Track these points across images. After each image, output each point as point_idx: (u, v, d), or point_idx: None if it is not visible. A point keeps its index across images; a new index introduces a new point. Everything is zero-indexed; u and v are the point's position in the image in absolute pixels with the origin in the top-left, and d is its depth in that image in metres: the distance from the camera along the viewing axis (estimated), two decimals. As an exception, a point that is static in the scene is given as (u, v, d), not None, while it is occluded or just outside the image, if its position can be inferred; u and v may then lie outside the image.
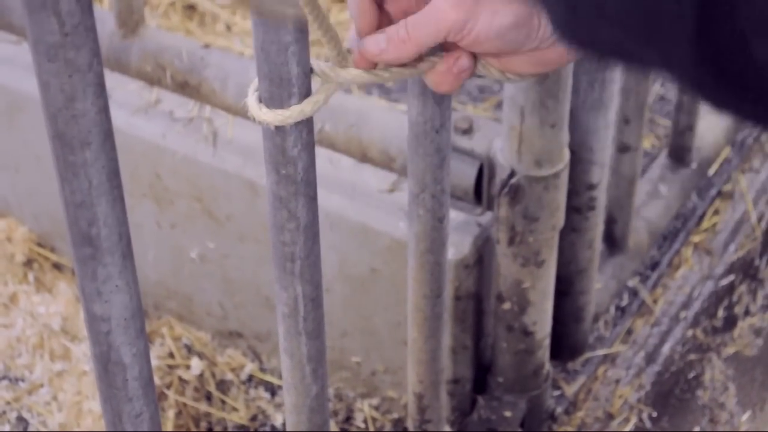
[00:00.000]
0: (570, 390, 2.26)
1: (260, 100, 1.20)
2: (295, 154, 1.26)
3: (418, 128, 1.55)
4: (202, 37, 2.87)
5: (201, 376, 2.49)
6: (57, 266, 2.72)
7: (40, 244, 2.73)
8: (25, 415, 2.46)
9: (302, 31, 1.16)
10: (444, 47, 1.24)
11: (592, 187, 2.12)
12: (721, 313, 2.51)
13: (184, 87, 2.21)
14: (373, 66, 1.24)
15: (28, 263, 2.71)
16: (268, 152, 1.27)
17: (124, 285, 1.18)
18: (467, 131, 1.99)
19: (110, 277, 1.16)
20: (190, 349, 2.55)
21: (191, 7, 2.99)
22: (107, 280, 1.17)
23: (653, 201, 2.54)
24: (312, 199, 1.33)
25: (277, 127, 1.23)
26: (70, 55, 1.03)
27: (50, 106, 1.06)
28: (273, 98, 1.19)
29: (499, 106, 2.77)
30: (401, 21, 1.20)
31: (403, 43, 1.20)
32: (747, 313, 2.58)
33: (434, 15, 1.18)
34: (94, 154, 1.09)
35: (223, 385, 2.51)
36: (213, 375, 2.51)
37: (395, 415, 2.41)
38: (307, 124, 1.26)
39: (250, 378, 2.53)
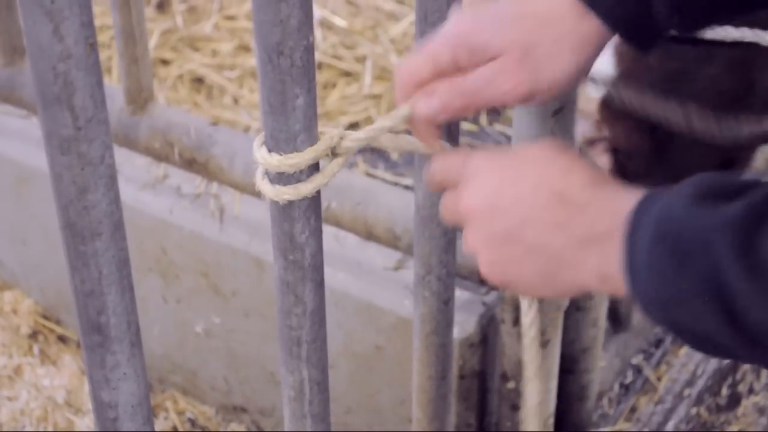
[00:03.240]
0: (574, 469, 2.26)
1: (268, 150, 1.21)
2: (303, 240, 1.28)
3: (424, 211, 1.56)
4: (209, 110, 2.90)
5: (204, 450, 2.49)
6: (62, 339, 2.73)
7: (45, 317, 2.74)
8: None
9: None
10: None
11: (596, 266, 2.12)
12: (725, 391, 2.51)
13: (192, 164, 2.23)
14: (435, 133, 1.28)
15: (34, 335, 2.71)
16: (276, 238, 1.28)
17: (132, 373, 1.18)
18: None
19: (118, 364, 1.17)
20: (194, 423, 2.55)
21: (199, 80, 3.01)
22: (115, 368, 1.18)
23: (657, 278, 2.54)
24: (319, 284, 1.34)
25: (285, 212, 1.24)
26: (82, 149, 1.04)
27: (62, 197, 1.08)
28: (279, 144, 1.20)
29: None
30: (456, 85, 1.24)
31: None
32: (751, 391, 2.57)
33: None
34: (105, 245, 1.10)
35: (226, 460, 2.51)
36: (216, 449, 2.51)
37: (399, 493, 2.41)
38: (315, 210, 1.28)
39: (254, 453, 2.53)
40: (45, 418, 2.54)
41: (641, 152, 1.76)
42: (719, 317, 1.04)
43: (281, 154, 1.19)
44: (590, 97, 1.76)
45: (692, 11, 1.26)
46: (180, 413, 2.56)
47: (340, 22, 3.10)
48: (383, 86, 2.93)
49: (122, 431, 1.22)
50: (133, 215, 2.35)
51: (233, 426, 2.55)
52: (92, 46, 1.00)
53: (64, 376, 2.61)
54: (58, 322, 2.74)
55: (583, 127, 1.74)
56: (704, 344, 1.11)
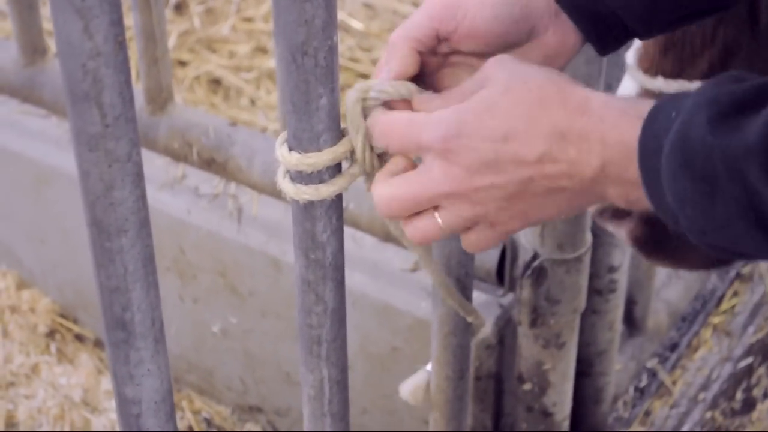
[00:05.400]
0: (589, 471, 2.26)
1: (290, 148, 1.22)
2: (324, 239, 1.29)
3: (443, 213, 1.57)
4: (226, 111, 2.91)
5: (220, 450, 2.50)
6: (79, 337, 2.74)
7: (63, 315, 2.75)
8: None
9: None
10: None
11: (613, 269, 2.13)
12: (739, 395, 2.51)
13: (211, 164, 2.24)
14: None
15: (51, 334, 2.72)
16: (298, 237, 1.29)
17: (156, 369, 1.19)
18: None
19: (142, 361, 1.18)
20: (209, 423, 2.56)
21: (216, 82, 3.02)
22: (139, 364, 1.18)
23: (673, 282, 2.55)
24: (340, 283, 1.35)
25: (307, 210, 1.25)
26: (110, 146, 1.05)
27: (89, 194, 1.09)
28: (302, 143, 1.20)
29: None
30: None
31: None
32: (766, 395, 2.58)
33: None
34: (131, 241, 1.11)
35: (242, 460, 2.52)
36: (232, 449, 2.52)
37: (414, 494, 2.42)
38: (337, 209, 1.28)
39: (269, 453, 2.53)
40: (62, 416, 2.55)
41: None
42: (760, 237, 1.04)
43: (300, 153, 1.20)
44: None
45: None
46: (196, 413, 2.57)
47: (357, 24, 3.11)
48: (400, 89, 2.93)
49: (145, 428, 1.23)
50: (152, 215, 2.35)
51: (249, 426, 2.56)
52: (121, 44, 1.01)
53: (81, 374, 2.62)
54: (75, 321, 2.75)
55: None
56: (747, 257, 1.12)
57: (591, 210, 1.59)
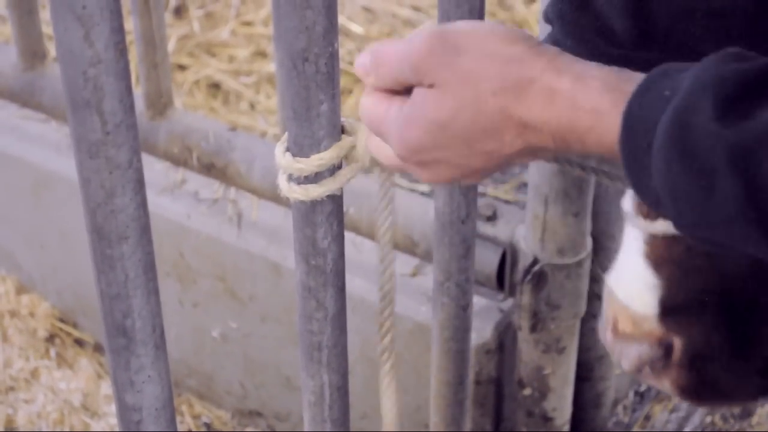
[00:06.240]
0: (589, 476, 2.26)
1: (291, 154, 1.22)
2: (325, 245, 1.29)
3: (444, 218, 1.58)
4: (225, 115, 2.90)
5: (220, 454, 2.50)
6: (79, 342, 2.74)
7: (62, 320, 2.75)
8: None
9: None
10: None
11: (613, 274, 2.13)
12: (740, 399, 2.51)
13: (210, 169, 2.24)
14: None
15: (50, 339, 2.72)
16: (299, 243, 1.29)
17: (157, 376, 1.19)
18: (491, 218, 2.01)
19: (143, 367, 1.18)
20: (209, 427, 2.56)
21: (215, 86, 3.02)
22: (140, 371, 1.18)
23: (673, 286, 2.55)
24: (340, 289, 1.35)
25: (308, 217, 1.25)
26: (110, 153, 1.05)
27: (90, 201, 1.08)
28: (303, 150, 1.20)
29: (520, 188, 2.79)
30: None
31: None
32: (766, 399, 2.58)
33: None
34: (131, 248, 1.11)
35: (241, 464, 2.52)
36: (232, 454, 2.51)
37: (413, 498, 2.41)
38: (337, 215, 1.28)
39: (269, 457, 2.53)
40: (61, 421, 2.55)
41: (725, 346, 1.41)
42: (758, 235, 0.98)
43: (294, 156, 1.20)
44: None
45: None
46: (196, 417, 2.57)
47: (356, 28, 3.11)
48: (399, 93, 2.93)
49: (145, 434, 1.23)
50: (151, 220, 2.35)
51: (249, 430, 2.56)
52: (122, 52, 1.01)
53: (80, 379, 2.62)
54: (74, 326, 2.75)
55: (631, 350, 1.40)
56: (735, 251, 1.06)
57: (626, 366, 1.46)
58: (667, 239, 1.42)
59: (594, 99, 1.05)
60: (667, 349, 1.38)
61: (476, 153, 1.11)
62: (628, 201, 1.44)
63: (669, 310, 1.42)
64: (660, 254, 1.41)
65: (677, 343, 1.37)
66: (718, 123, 0.95)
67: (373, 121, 1.17)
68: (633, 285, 1.44)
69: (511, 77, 1.07)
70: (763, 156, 0.94)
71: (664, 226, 1.40)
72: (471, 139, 1.10)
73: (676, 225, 1.06)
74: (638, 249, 1.44)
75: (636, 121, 1.01)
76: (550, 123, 1.06)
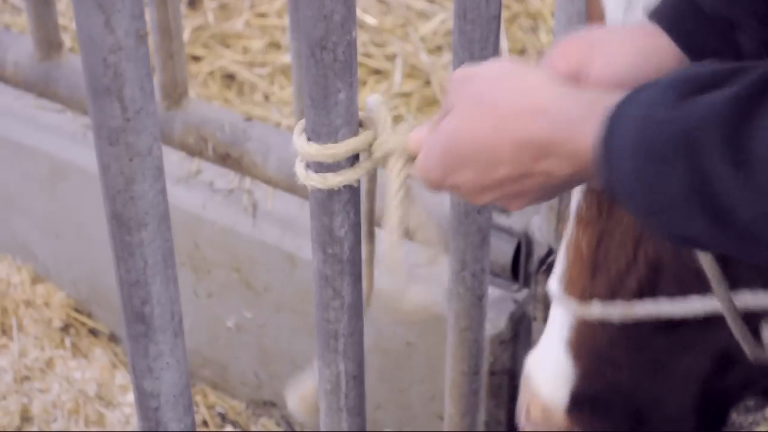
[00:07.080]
0: (603, 467, 2.26)
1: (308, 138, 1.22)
2: (342, 234, 1.29)
3: (459, 208, 1.58)
4: (240, 106, 2.91)
5: (234, 444, 2.51)
6: (93, 332, 2.75)
7: (77, 310, 2.76)
8: (59, 480, 2.48)
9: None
10: None
11: (627, 265, 2.13)
12: (754, 391, 2.51)
13: (226, 159, 2.24)
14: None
15: (65, 328, 2.73)
16: (315, 231, 1.30)
17: (175, 362, 1.20)
18: (505, 209, 2.01)
19: (161, 354, 1.19)
20: (224, 418, 2.57)
21: (230, 77, 3.03)
22: (158, 358, 1.19)
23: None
24: (357, 278, 1.35)
25: (325, 205, 1.26)
26: (131, 140, 1.06)
27: (109, 187, 1.09)
28: (320, 138, 1.21)
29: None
30: None
31: None
32: (780, 392, 2.57)
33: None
34: (151, 235, 1.12)
35: (255, 454, 2.52)
36: (246, 444, 2.52)
37: (427, 489, 2.42)
38: (354, 204, 1.29)
39: (283, 447, 2.54)
40: (76, 410, 2.56)
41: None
42: (706, 219, 1.00)
43: (319, 144, 1.21)
44: None
45: None
46: (210, 407, 2.58)
47: (370, 20, 3.11)
48: (413, 84, 2.94)
49: (163, 421, 1.24)
50: (167, 210, 2.36)
51: (263, 421, 2.57)
52: (142, 38, 1.01)
53: (95, 369, 2.63)
54: (89, 316, 2.76)
55: None
56: (693, 244, 1.09)
57: None
58: (595, 326, 1.43)
59: (575, 111, 1.10)
60: None
61: (491, 174, 1.18)
62: (555, 283, 1.44)
63: (578, 404, 1.47)
64: (583, 342, 1.45)
65: None
66: (675, 109, 1.02)
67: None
68: (549, 373, 1.48)
69: (513, 101, 1.14)
70: (711, 133, 0.98)
71: (598, 309, 1.40)
72: (480, 157, 1.17)
73: (637, 216, 1.08)
74: (562, 336, 1.46)
75: (612, 121, 1.06)
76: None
